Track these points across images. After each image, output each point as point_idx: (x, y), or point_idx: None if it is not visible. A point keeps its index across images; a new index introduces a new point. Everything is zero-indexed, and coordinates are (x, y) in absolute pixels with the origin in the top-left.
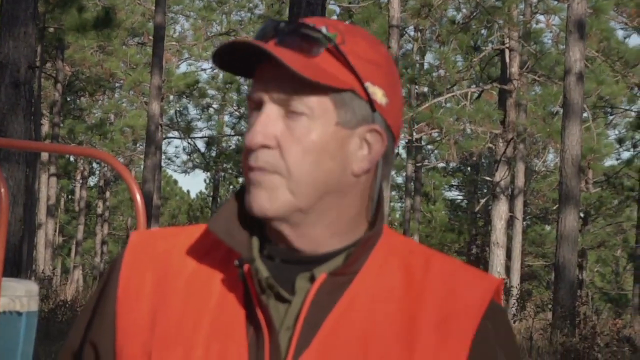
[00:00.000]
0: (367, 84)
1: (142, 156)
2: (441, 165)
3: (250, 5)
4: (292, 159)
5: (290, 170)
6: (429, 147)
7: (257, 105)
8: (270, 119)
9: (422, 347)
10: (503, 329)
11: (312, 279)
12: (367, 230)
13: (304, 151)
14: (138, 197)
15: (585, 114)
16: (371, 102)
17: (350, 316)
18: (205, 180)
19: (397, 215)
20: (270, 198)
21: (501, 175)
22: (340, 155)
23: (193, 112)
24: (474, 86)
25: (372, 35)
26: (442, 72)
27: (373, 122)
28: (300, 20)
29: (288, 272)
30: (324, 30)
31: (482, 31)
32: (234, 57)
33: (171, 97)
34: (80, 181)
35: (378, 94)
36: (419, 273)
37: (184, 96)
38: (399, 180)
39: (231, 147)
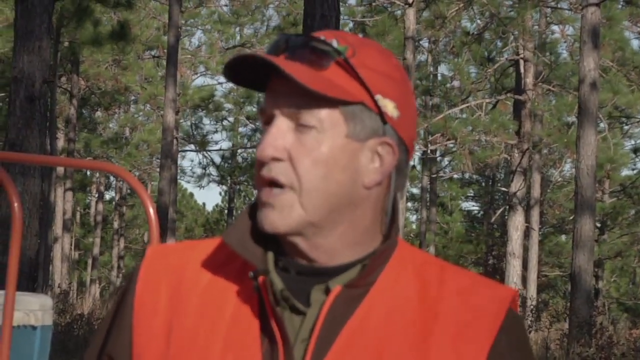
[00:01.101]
0: (378, 97)
1: (158, 170)
2: (457, 176)
3: (264, 18)
4: (303, 170)
5: (301, 182)
6: (445, 158)
7: (269, 119)
8: (280, 132)
9: (437, 358)
10: (520, 341)
11: (327, 291)
12: (382, 242)
13: (315, 163)
14: (151, 210)
15: (601, 124)
16: (382, 115)
17: (365, 328)
18: (220, 193)
19: (414, 227)
20: (281, 217)
21: (517, 185)
22: (351, 168)
23: (208, 125)
24: (489, 97)
25: (384, 47)
26: (456, 83)
27: (384, 134)
28: (311, 33)
29: (303, 284)
30: (334, 43)
31: (497, 42)
32: (246, 71)
33: (187, 110)
34: (97, 195)
35: (389, 107)
36: (434, 285)
37: (200, 109)
38: (415, 191)
39: (247, 160)
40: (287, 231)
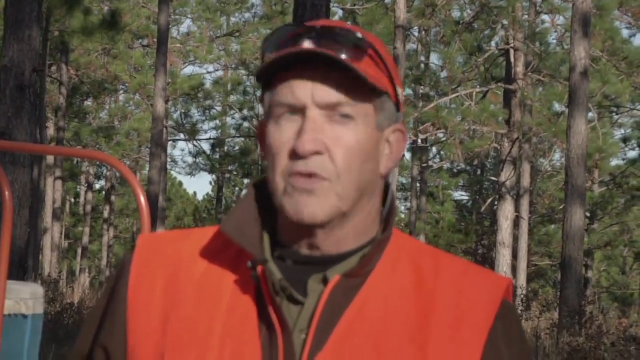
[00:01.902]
0: (398, 87)
1: (147, 159)
2: (447, 165)
3: (253, 6)
4: (341, 163)
5: (339, 174)
6: (434, 147)
7: (293, 109)
8: (318, 125)
9: (435, 347)
10: (514, 329)
11: (324, 281)
12: (379, 230)
13: (351, 155)
14: (142, 199)
15: (590, 114)
16: (398, 103)
17: (363, 317)
18: (210, 182)
19: (403, 216)
20: (321, 204)
21: (507, 175)
22: (376, 157)
23: (198, 114)
24: (479, 86)
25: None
26: (446, 72)
27: (396, 121)
28: (329, 24)
29: (300, 274)
30: (359, 35)
31: (486, 31)
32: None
33: (176, 99)
34: (86, 184)
35: (400, 95)
36: (429, 274)
37: (189, 98)
38: (404, 181)
39: (236, 149)
40: (324, 220)
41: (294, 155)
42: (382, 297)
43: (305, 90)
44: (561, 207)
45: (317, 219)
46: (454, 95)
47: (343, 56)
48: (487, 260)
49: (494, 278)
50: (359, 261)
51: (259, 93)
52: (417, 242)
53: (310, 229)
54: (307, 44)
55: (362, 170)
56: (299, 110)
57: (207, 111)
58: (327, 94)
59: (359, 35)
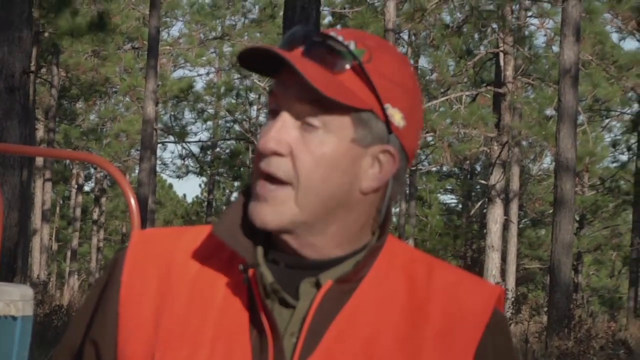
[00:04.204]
0: (387, 106)
1: (137, 161)
2: (435, 169)
3: (244, 10)
4: (303, 169)
5: (300, 180)
6: (423, 151)
7: (275, 111)
8: (285, 127)
9: (426, 356)
10: (503, 341)
11: (317, 285)
12: (376, 239)
13: (316, 163)
14: (132, 200)
15: (580, 118)
16: (388, 124)
17: (354, 323)
18: (200, 185)
19: (393, 220)
20: (274, 212)
21: (496, 178)
22: (351, 172)
23: (188, 116)
24: (468, 90)
25: (400, 52)
26: (435, 75)
27: (387, 142)
28: (330, 31)
29: (292, 278)
30: (352, 45)
31: (476, 35)
32: (260, 59)
33: (166, 101)
34: (76, 186)
35: (396, 117)
36: (422, 282)
37: (178, 100)
38: None
39: (226, 152)
40: (277, 228)
41: (259, 154)
42: (374, 303)
43: (282, 93)
44: (551, 211)
45: (267, 226)
46: (443, 99)
47: (313, 63)
48: (476, 264)
49: (486, 287)
50: (352, 267)
51: (252, 96)
52: (412, 250)
53: (280, 235)
54: (300, 49)
55: (329, 181)
56: (277, 111)
57: (200, 114)
58: (298, 99)
59: (352, 45)
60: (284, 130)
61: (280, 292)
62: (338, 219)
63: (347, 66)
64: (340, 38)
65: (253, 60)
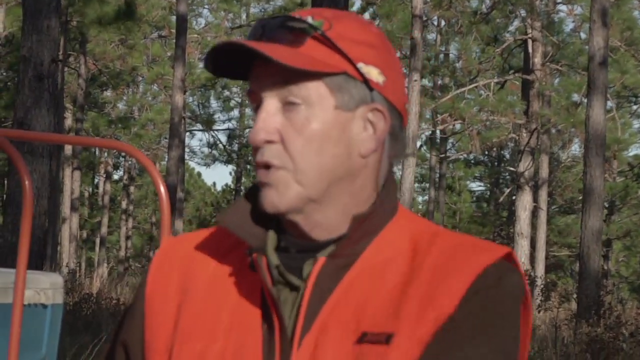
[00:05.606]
0: (360, 65)
1: (165, 150)
2: (464, 156)
3: None
4: (295, 150)
5: (295, 161)
6: (451, 138)
7: (257, 104)
8: (269, 114)
9: (407, 309)
10: (491, 302)
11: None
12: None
13: (307, 141)
14: (162, 188)
15: (609, 104)
16: (367, 82)
17: (348, 294)
18: (230, 173)
19: (420, 207)
20: (279, 194)
21: (525, 165)
22: (344, 140)
23: (215, 104)
24: (497, 77)
25: (361, 17)
26: (462, 63)
27: (372, 101)
28: (288, 14)
29: (298, 261)
30: (309, 19)
31: (503, 22)
32: (228, 60)
33: (194, 90)
34: (105, 175)
35: (373, 73)
36: (423, 248)
37: (206, 89)
38: (422, 172)
39: None
40: (288, 209)
41: (254, 148)
42: (371, 274)
43: (257, 83)
44: (580, 198)
45: (278, 208)
46: (472, 86)
47: (276, 45)
48: None
49: (488, 247)
50: (342, 241)
51: None
52: (423, 222)
53: (292, 217)
54: (262, 38)
55: (324, 155)
56: (259, 104)
57: (226, 102)
58: (272, 83)
59: (309, 19)
60: (268, 119)
61: (285, 275)
62: (345, 190)
63: (307, 38)
64: (297, 16)
65: (225, 66)
